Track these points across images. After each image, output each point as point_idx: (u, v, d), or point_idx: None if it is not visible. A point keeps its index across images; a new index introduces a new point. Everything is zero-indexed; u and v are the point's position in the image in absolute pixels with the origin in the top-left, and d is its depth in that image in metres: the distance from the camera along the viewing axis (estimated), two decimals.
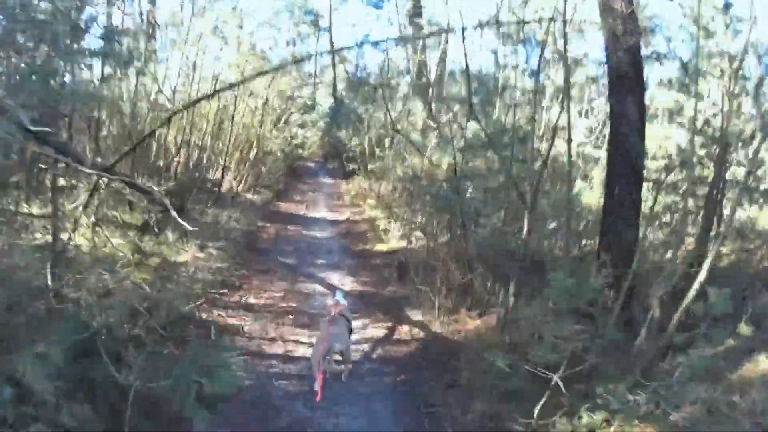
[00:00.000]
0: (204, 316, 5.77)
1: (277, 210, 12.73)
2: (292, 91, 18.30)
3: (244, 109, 12.67)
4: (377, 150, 15.06)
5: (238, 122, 13.04)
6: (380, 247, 9.21)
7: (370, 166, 14.70)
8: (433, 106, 13.98)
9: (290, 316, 5.96)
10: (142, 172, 11.07)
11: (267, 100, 13.59)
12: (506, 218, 5.65)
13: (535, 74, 5.85)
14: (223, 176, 12.06)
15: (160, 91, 10.92)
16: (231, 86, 7.49)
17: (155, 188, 8.01)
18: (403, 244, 8.86)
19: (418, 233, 8.45)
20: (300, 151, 18.61)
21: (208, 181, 12.33)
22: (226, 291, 6.58)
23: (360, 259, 8.52)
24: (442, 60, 16.23)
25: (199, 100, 7.02)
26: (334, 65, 31.14)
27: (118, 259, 6.31)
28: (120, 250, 6.27)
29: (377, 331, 5.80)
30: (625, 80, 6.16)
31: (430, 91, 14.17)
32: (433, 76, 16.02)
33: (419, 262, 7.27)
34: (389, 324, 5.95)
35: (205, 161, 12.74)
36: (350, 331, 4.81)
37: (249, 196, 12.69)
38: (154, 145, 11.38)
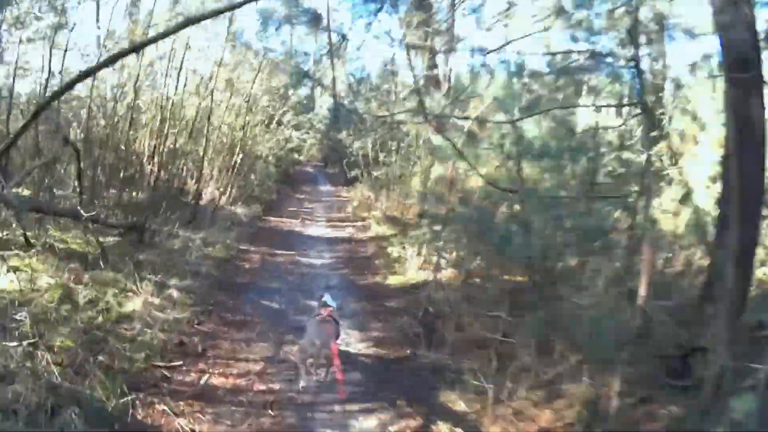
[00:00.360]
0: (140, 414, 3.80)
1: (266, 226, 10.78)
2: (286, 88, 16.33)
3: (227, 108, 10.72)
4: (382, 155, 13.13)
5: (221, 122, 11.12)
6: (394, 280, 7.26)
7: (375, 173, 12.75)
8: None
9: (271, 411, 3.97)
10: (106, 184, 9.19)
11: (252, 97, 11.64)
12: (608, 271, 3.67)
13: (632, 43, 3.89)
14: (199, 186, 10.11)
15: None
16: (134, 49, 5.58)
17: (83, 212, 6.10)
18: (425, 276, 6.92)
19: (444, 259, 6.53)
20: (296, 155, 16.61)
21: (186, 192, 10.40)
22: (180, 363, 4.59)
23: (369, 300, 6.54)
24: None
25: (86, 74, 5.10)
26: (333, 63, 29.43)
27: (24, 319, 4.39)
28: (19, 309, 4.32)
29: None
30: (748, 65, 4.24)
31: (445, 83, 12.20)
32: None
33: (453, 305, 5.36)
34: (419, 420, 3.97)
35: (183, 169, 10.84)
36: (338, 335, 4.50)
37: (234, 209, 10.75)
38: (123, 152, 9.54)
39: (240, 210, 10.71)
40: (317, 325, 4.32)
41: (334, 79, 28.98)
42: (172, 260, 6.80)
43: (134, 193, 9.56)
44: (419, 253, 7.17)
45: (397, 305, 6.26)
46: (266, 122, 14.12)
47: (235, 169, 10.82)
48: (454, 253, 6.13)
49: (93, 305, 5.21)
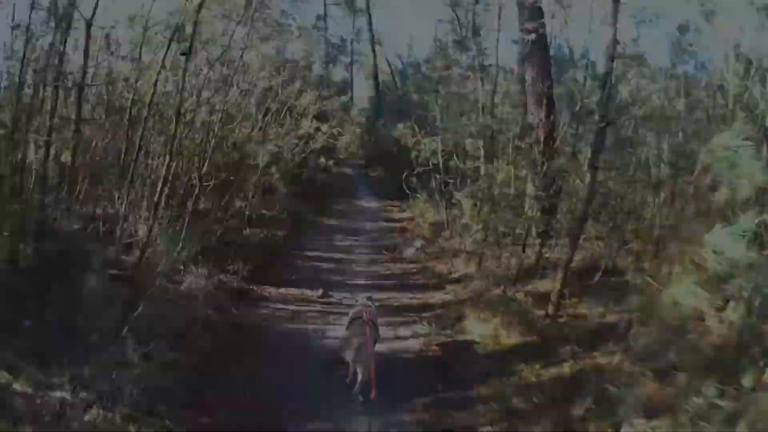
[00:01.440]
0: None
1: (243, 323, 5.22)
2: (307, 64, 10.92)
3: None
4: (461, 161, 7.67)
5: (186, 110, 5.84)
6: None
7: (458, 195, 7.15)
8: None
9: None
10: None
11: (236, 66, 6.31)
12: None
13: None
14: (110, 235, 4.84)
15: None
16: None
17: None
18: None
19: None
20: (322, 160, 11.10)
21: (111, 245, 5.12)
22: None
23: None
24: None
25: None
26: (373, 47, 24.46)
27: None
28: None
29: None
30: None
31: None
32: None
33: None
34: None
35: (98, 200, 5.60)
36: (376, 340, 4.24)
37: (190, 276, 5.35)
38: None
39: (197, 281, 5.28)
40: (360, 326, 4.16)
41: (375, 65, 23.95)
42: None
43: None
44: None
45: None
46: (276, 113, 8.80)
47: (196, 196, 5.46)
48: None
49: None
